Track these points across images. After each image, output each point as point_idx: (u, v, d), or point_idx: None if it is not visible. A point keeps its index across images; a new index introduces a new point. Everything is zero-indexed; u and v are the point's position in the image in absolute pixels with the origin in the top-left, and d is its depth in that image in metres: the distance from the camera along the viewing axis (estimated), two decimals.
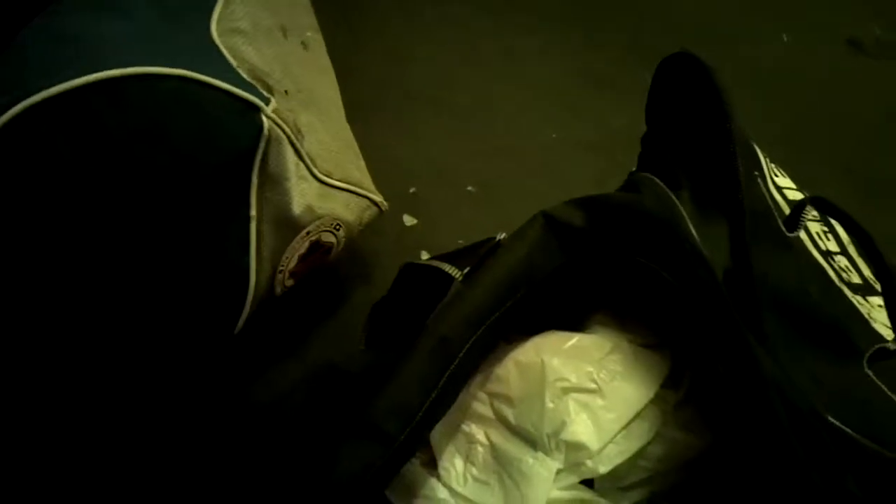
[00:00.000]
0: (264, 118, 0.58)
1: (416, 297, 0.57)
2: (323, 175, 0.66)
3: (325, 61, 0.78)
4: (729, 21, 1.23)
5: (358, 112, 0.83)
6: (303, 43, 0.73)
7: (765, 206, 0.55)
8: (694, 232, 0.48)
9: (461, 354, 0.50)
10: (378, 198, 0.75)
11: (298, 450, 0.62)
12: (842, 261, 0.62)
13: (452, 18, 1.18)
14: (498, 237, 0.55)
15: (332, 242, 0.70)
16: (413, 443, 0.49)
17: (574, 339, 0.55)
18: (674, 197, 0.49)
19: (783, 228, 0.55)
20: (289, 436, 0.63)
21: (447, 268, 0.55)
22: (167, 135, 0.54)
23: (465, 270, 0.54)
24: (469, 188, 0.92)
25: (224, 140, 0.57)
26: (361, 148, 0.80)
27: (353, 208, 0.71)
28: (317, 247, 0.69)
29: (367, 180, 0.76)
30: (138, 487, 0.63)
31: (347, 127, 0.78)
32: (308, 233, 0.66)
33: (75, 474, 0.63)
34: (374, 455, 0.47)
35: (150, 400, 0.67)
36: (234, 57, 0.60)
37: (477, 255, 0.54)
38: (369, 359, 0.60)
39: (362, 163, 0.77)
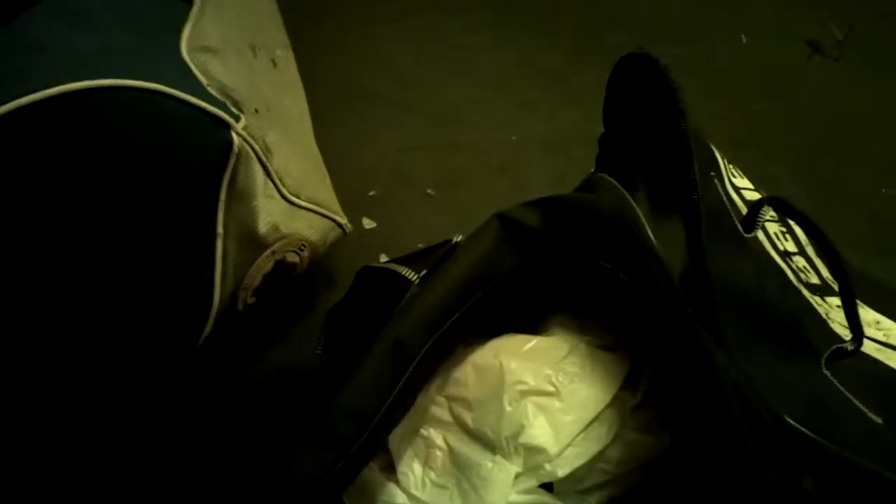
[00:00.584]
0: (234, 135, 0.58)
1: (374, 301, 0.56)
2: (291, 195, 0.66)
3: (295, 78, 0.79)
4: (686, 20, 1.24)
5: (315, 114, 0.83)
6: (272, 61, 0.73)
7: (721, 207, 0.55)
8: (650, 233, 0.47)
9: (418, 357, 0.49)
10: (343, 220, 0.76)
11: (253, 454, 0.61)
12: (800, 261, 0.62)
13: (406, 18, 1.18)
14: (455, 239, 0.54)
15: (295, 262, 0.70)
16: (370, 447, 0.48)
17: (532, 342, 0.55)
18: (630, 198, 0.49)
19: (740, 228, 0.55)
20: (244, 439, 0.63)
21: (404, 271, 0.54)
22: (136, 146, 0.54)
23: (422, 273, 0.53)
24: (429, 191, 0.92)
25: (193, 155, 0.57)
26: (320, 150, 0.80)
27: (318, 229, 0.72)
28: (281, 266, 0.69)
29: (333, 201, 0.76)
30: (99, 491, 0.62)
31: (315, 146, 0.78)
32: (273, 252, 0.66)
33: (38, 478, 0.62)
34: (329, 459, 0.46)
35: (112, 405, 0.66)
36: (204, 74, 0.60)
37: (434, 257, 0.53)
38: (326, 362, 0.60)
39: (328, 181, 0.77)
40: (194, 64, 0.60)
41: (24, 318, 0.58)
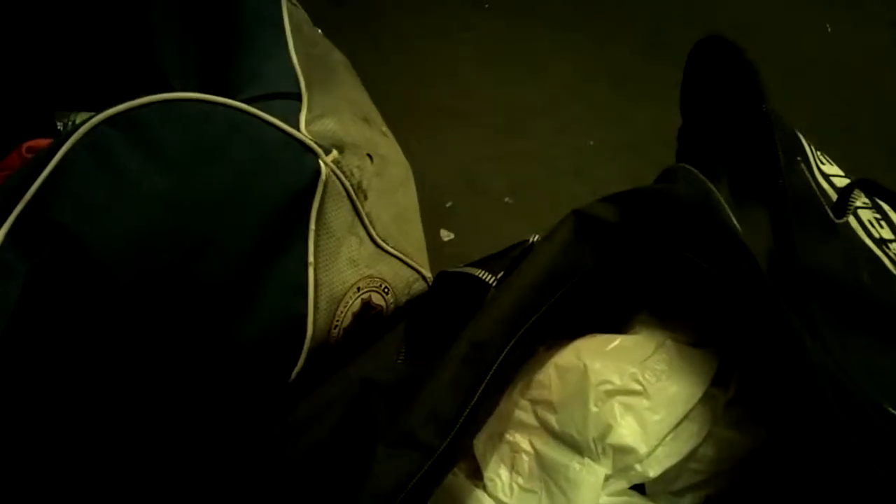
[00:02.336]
0: (322, 164, 0.62)
1: (453, 306, 0.56)
2: (379, 238, 0.69)
3: (398, 150, 0.81)
4: (766, 12, 1.21)
5: (390, 129, 0.82)
6: (383, 132, 0.79)
7: (809, 192, 0.53)
8: (733, 219, 0.46)
9: (498, 360, 0.48)
10: (427, 273, 0.77)
11: (337, 466, 0.61)
12: None
13: (469, 26, 1.17)
14: (531, 239, 0.53)
15: (381, 305, 0.72)
16: (453, 452, 0.47)
17: (616, 341, 0.53)
18: (710, 184, 0.47)
19: (830, 214, 0.53)
20: (328, 452, 0.62)
21: (480, 273, 0.54)
22: (226, 155, 0.57)
23: (499, 275, 0.53)
24: (506, 199, 0.91)
25: (282, 174, 0.60)
26: None
27: (402, 277, 0.74)
28: (368, 308, 0.70)
29: (421, 255, 0.77)
30: None
31: (416, 205, 0.81)
32: (359, 289, 0.68)
33: None
34: (412, 466, 0.45)
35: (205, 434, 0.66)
36: (308, 123, 0.65)
37: (510, 258, 0.52)
38: (407, 371, 0.59)
39: (420, 238, 0.79)
40: (304, 121, 0.65)
41: (124, 354, 0.59)
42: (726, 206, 0.46)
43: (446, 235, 0.87)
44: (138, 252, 0.54)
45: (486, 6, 1.22)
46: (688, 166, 0.49)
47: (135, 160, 0.54)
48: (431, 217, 0.83)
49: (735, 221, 0.46)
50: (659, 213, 0.48)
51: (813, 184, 0.54)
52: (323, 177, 0.62)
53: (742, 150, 0.51)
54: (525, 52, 1.13)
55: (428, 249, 0.80)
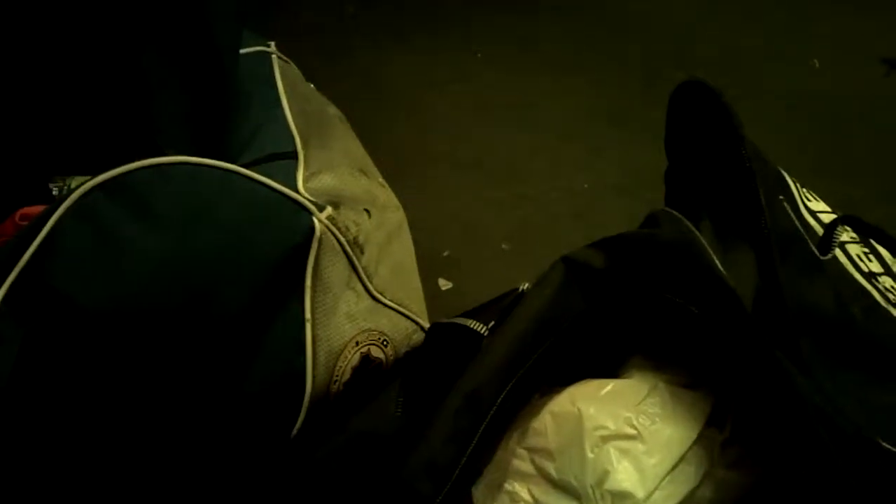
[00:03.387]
0: (316, 221, 0.62)
1: (447, 357, 0.56)
2: (376, 292, 0.69)
3: (394, 198, 0.82)
4: (755, 51, 1.22)
5: (386, 179, 0.83)
6: (380, 183, 0.80)
7: (793, 230, 0.53)
8: (717, 261, 0.46)
9: (493, 408, 0.49)
10: (425, 323, 0.77)
11: None
12: (887, 281, 0.60)
13: (461, 76, 1.19)
14: (521, 287, 0.54)
15: (380, 358, 0.72)
16: (452, 503, 0.47)
17: (609, 386, 0.53)
18: (692, 227, 0.48)
19: (816, 252, 0.53)
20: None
21: (472, 324, 0.54)
22: (218, 214, 0.58)
23: (491, 325, 0.53)
24: (503, 246, 0.91)
25: (276, 232, 0.61)
26: None
27: (401, 329, 0.73)
28: (367, 361, 0.70)
29: (418, 306, 0.78)
30: None
31: (413, 257, 0.81)
32: (357, 343, 0.68)
33: None
34: None
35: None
36: (305, 181, 0.68)
37: (501, 307, 0.53)
38: (404, 422, 0.59)
39: (418, 289, 0.79)
40: (302, 179, 0.67)
41: (123, 413, 0.59)
42: (709, 248, 0.46)
43: (444, 284, 0.87)
44: (133, 313, 0.55)
45: (479, 55, 1.23)
46: (670, 210, 0.50)
47: (126, 223, 0.54)
48: (429, 266, 0.83)
49: (719, 263, 0.46)
50: (644, 258, 0.49)
51: (798, 222, 0.54)
52: (317, 233, 0.62)
53: (724, 193, 0.52)
54: (518, 98, 1.15)
55: (426, 299, 0.81)
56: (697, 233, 0.47)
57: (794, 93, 1.13)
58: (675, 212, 0.50)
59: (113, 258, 0.54)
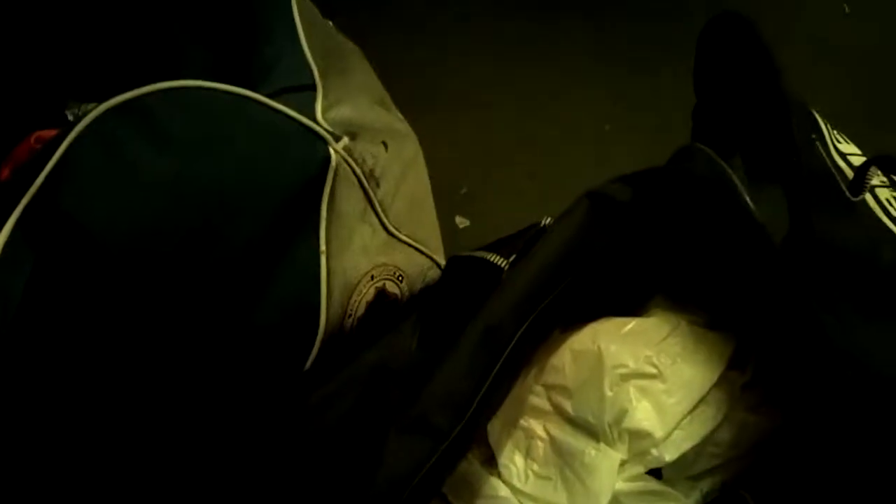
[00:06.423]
0: (332, 151, 0.61)
1: (466, 291, 0.55)
2: (391, 227, 0.68)
3: (411, 132, 0.80)
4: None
5: (403, 115, 0.82)
6: (399, 118, 0.78)
7: (825, 170, 0.51)
8: (748, 197, 0.45)
9: (511, 343, 0.48)
10: (441, 260, 0.76)
11: (349, 451, 0.60)
12: None
13: (479, 19, 1.16)
14: (543, 222, 0.53)
15: (396, 294, 0.71)
16: (467, 438, 0.47)
17: (631, 324, 0.53)
18: (723, 163, 0.46)
19: (847, 193, 0.52)
20: (339, 438, 0.62)
21: (492, 257, 0.53)
22: (233, 142, 0.57)
23: (511, 258, 0.52)
24: (521, 184, 0.90)
25: (292, 162, 0.59)
26: None
27: (416, 264, 0.72)
28: (383, 296, 0.69)
29: (435, 242, 0.77)
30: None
31: (428, 189, 0.80)
32: (372, 277, 0.67)
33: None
34: (424, 451, 0.45)
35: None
36: (324, 111, 0.65)
37: (522, 241, 0.52)
38: (421, 356, 0.59)
39: (435, 223, 0.78)
40: (321, 109, 0.65)
41: (134, 341, 0.59)
42: (741, 185, 0.45)
43: (462, 222, 0.86)
44: (145, 239, 0.54)
45: None
46: (702, 146, 0.48)
47: (140, 147, 0.53)
48: (446, 204, 0.82)
49: (750, 201, 0.45)
50: (673, 193, 0.47)
51: (829, 162, 0.53)
52: (333, 164, 0.61)
53: (757, 129, 0.50)
54: (541, 41, 1.12)
55: (443, 236, 0.80)
56: (728, 169, 0.46)
57: (823, 38, 1.10)
58: (706, 147, 0.48)
59: (126, 180, 0.53)
